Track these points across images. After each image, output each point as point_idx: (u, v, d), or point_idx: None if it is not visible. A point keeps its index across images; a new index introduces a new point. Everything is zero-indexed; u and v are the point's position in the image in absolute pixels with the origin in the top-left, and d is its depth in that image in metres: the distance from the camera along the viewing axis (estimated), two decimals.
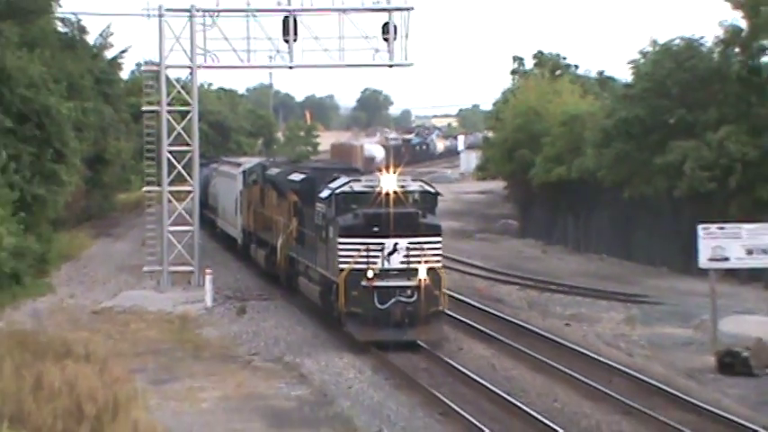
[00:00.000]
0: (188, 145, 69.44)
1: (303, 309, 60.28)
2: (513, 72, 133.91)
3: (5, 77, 72.98)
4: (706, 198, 71.96)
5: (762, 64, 79.28)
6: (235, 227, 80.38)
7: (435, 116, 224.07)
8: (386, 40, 66.74)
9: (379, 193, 47.21)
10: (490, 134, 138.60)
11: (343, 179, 50.76)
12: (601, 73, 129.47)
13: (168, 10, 68.25)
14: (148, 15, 68.90)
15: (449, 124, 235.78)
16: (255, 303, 62.35)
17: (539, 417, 37.95)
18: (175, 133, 69.15)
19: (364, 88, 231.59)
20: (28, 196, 70.93)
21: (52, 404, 33.57)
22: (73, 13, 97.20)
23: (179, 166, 69.35)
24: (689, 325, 56.16)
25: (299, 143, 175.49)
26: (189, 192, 70.64)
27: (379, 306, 45.14)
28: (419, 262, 45.88)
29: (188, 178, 69.95)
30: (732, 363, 47.62)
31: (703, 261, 51.10)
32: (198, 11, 67.72)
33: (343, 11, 66.66)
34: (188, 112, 69.94)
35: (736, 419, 39.04)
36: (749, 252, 50.41)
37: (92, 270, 74.96)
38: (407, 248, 45.75)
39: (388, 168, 50.15)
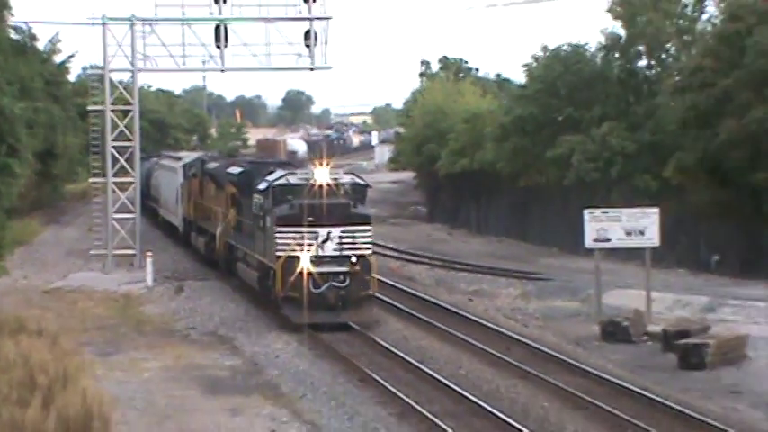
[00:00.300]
0: (130, 141, 69.35)
1: (236, 289, 60.08)
2: (422, 74, 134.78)
3: None
4: (591, 186, 72.76)
5: (638, 67, 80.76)
6: (176, 216, 79.05)
7: (352, 114, 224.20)
8: (307, 46, 66.94)
9: (313, 185, 46.48)
10: (401, 130, 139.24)
11: (280, 172, 50.17)
12: (498, 75, 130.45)
13: (111, 19, 68.14)
14: (93, 24, 68.90)
15: (364, 121, 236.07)
16: (192, 283, 62.22)
17: (446, 382, 38.43)
18: (118, 130, 69.01)
19: (289, 89, 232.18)
20: None
21: (7, 375, 33.55)
22: (24, 22, 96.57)
23: (122, 160, 69.34)
24: (577, 298, 56.71)
25: (230, 139, 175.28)
26: (131, 183, 70.60)
27: (313, 290, 44.47)
28: (351, 249, 45.56)
29: (130, 171, 69.90)
30: (614, 331, 48.35)
31: (589, 242, 51.76)
32: (138, 20, 67.65)
33: (269, 20, 66.77)
34: (129, 111, 69.86)
35: (617, 381, 39.67)
36: (628, 234, 51.10)
37: (43, 254, 74.67)
38: (340, 237, 45.23)
39: (320, 162, 48.77)
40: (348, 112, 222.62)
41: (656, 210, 52.11)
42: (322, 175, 46.66)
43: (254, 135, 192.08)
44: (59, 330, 43.69)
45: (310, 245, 44.88)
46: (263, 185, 49.44)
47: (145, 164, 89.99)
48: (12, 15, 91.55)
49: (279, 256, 45.35)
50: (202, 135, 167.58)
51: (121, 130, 69.16)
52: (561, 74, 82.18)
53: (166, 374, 40.83)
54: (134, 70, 69.50)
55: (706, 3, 78.83)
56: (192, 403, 36.70)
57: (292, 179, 47.98)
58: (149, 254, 65.78)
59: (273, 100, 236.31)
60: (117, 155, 69.14)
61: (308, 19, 66.68)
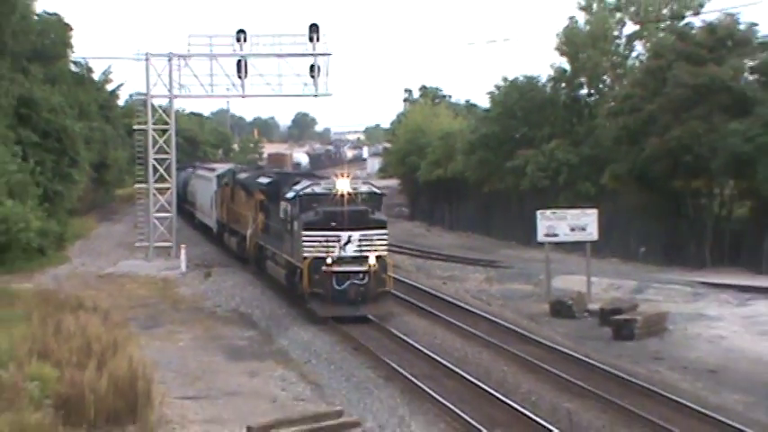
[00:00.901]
0: (167, 154, 69.15)
1: (254, 275, 59.65)
2: (405, 100, 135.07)
3: (33, 105, 72.71)
4: (542, 191, 72.95)
5: (580, 95, 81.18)
6: (210, 218, 77.04)
7: (348, 132, 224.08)
8: (312, 76, 66.80)
9: (335, 194, 44.34)
10: (388, 145, 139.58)
11: (306, 182, 48.06)
12: (467, 101, 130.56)
13: (152, 55, 68.07)
14: (138, 59, 68.96)
15: (358, 138, 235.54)
16: (218, 270, 62.03)
17: (424, 350, 38.68)
18: (158, 145, 68.85)
19: (297, 111, 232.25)
20: (50, 191, 70.80)
21: (68, 344, 33.50)
22: (82, 57, 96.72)
23: (161, 170, 69.09)
24: (530, 282, 56.70)
25: (248, 153, 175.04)
26: (168, 188, 70.32)
27: (336, 287, 42.37)
28: (369, 250, 43.15)
29: (167, 178, 69.62)
30: (560, 309, 48.43)
31: (540, 236, 51.83)
32: (174, 55, 67.56)
33: (281, 55, 66.68)
34: (167, 129, 69.70)
35: (563, 350, 39.96)
36: (572, 230, 51.23)
37: (97, 245, 74.55)
38: (359, 240, 42.92)
39: (342, 174, 47.07)
40: (345, 131, 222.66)
41: (594, 210, 52.29)
42: (343, 185, 44.73)
43: (268, 149, 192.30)
44: (110, 307, 43.73)
45: (333, 247, 42.76)
46: (290, 194, 46.92)
47: (182, 173, 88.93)
48: (73, 52, 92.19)
49: (305, 257, 43.01)
50: (226, 149, 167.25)
51: (160, 146, 69.03)
52: (518, 100, 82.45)
53: (197, 343, 40.97)
54: (171, 96, 69.40)
55: (635, 42, 79.08)
56: (218, 367, 36.81)
57: (317, 189, 45.81)
58: (183, 246, 65.99)
59: (284, 120, 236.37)
60: (157, 165, 68.98)
61: (313, 55, 66.61)
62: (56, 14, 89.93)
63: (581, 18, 79.45)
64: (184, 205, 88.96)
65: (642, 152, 66.35)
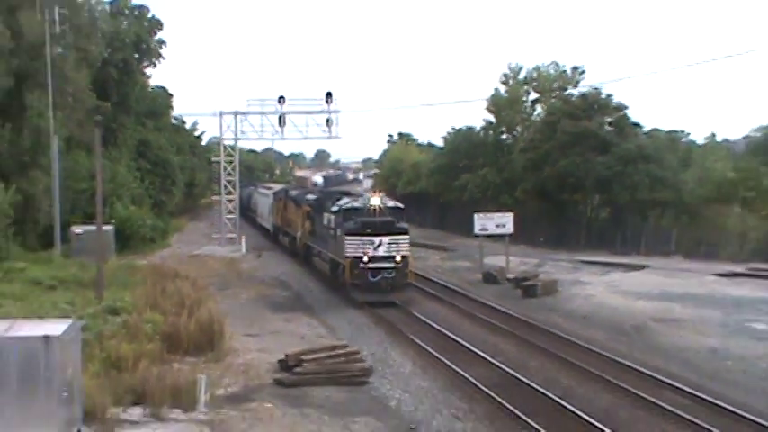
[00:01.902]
0: (232, 176, 69.17)
1: (291, 257, 59.08)
2: (388, 141, 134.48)
3: (148, 145, 73.61)
4: (477, 201, 72.41)
5: (502, 138, 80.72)
6: (268, 222, 73.90)
7: (351, 161, 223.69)
8: (327, 126, 66.78)
9: (370, 208, 40.98)
10: (377, 170, 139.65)
11: (346, 199, 44.57)
12: (429, 142, 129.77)
13: (224, 113, 68.05)
14: (214, 115, 69.18)
15: (358, 167, 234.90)
16: (266, 253, 61.89)
17: (400, 304, 39.02)
18: (227, 171, 68.90)
19: (318, 149, 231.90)
20: (158, 201, 71.20)
21: (170, 300, 33.57)
22: (179, 114, 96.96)
23: (229, 187, 69.14)
24: (470, 260, 56.39)
25: (286, 176, 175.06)
26: (233, 199, 70.23)
27: (371, 279, 39.00)
28: (396, 251, 39.45)
29: (233, 191, 69.65)
30: (489, 278, 48.40)
31: (476, 230, 51.37)
32: (238, 113, 67.61)
33: (307, 113, 66.62)
34: (232, 161, 69.62)
35: (490, 304, 40.18)
36: (497, 226, 50.96)
37: (188, 236, 74.40)
38: (388, 243, 39.26)
39: (374, 192, 46.40)
40: (349, 161, 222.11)
41: (511, 213, 52.13)
42: (375, 201, 41.58)
43: (297, 173, 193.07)
44: (196, 276, 43.60)
45: (368, 249, 39.17)
46: (335, 208, 43.23)
47: (245, 190, 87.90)
48: (173, 111, 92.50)
49: (347, 257, 39.52)
50: (271, 173, 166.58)
51: (228, 171, 68.98)
52: (461, 141, 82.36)
53: (252, 300, 41.01)
54: (235, 139, 69.16)
55: (536, 105, 79.07)
56: (265, 315, 36.95)
57: (355, 204, 42.23)
58: (243, 237, 66.15)
59: (309, 154, 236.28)
60: (226, 184, 69.01)
61: (327, 112, 66.39)
62: (162, 87, 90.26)
63: (502, 89, 79.57)
64: (248, 213, 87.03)
65: (541, 176, 66.96)
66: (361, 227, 39.65)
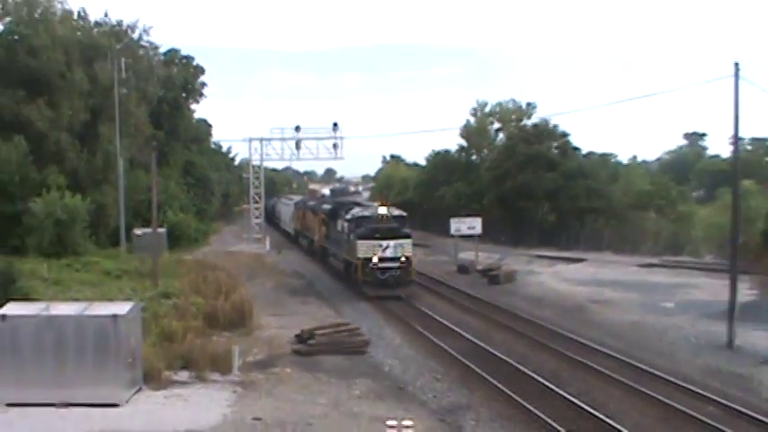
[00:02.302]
0: (258, 189, 69.30)
1: (305, 253, 58.72)
2: (382, 161, 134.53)
3: (192, 165, 73.10)
4: (453, 208, 71.90)
5: (472, 159, 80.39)
6: (290, 227, 70.15)
7: (353, 177, 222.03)
8: (335, 147, 66.79)
9: (378, 216, 38.54)
10: (373, 184, 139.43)
11: (358, 208, 41.64)
12: (415, 162, 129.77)
13: (252, 138, 68.16)
14: (244, 140, 69.40)
15: (359, 181, 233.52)
16: (285, 250, 61.62)
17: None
18: (255, 185, 69.01)
19: (326, 167, 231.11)
20: (200, 209, 70.76)
21: (210, 287, 33.56)
22: (217, 140, 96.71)
23: (256, 197, 69.26)
24: (447, 255, 56.29)
25: (302, 189, 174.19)
26: (259, 207, 70.24)
27: (380, 277, 36.70)
28: (401, 253, 36.99)
29: (259, 201, 69.71)
30: (462, 269, 48.37)
31: (452, 231, 51.20)
32: (264, 139, 67.57)
33: (318, 138, 66.68)
34: (258, 176, 69.79)
35: (463, 290, 40.20)
36: (469, 228, 50.75)
37: (224, 236, 74.06)
38: (394, 246, 36.79)
39: (382, 203, 43.28)
40: (351, 176, 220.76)
41: (479, 218, 51.95)
42: (383, 210, 39.12)
43: (310, 186, 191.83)
44: (230, 268, 43.53)
45: (377, 251, 36.80)
46: (349, 216, 40.27)
47: (270, 200, 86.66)
48: (212, 137, 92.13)
49: (359, 258, 37.04)
50: (290, 187, 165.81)
51: (256, 185, 69.14)
52: (440, 161, 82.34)
53: (274, 287, 40.68)
54: (261, 160, 69.37)
55: (499, 132, 78.91)
56: (284, 299, 36.88)
57: (366, 212, 39.63)
58: (268, 238, 65.69)
59: (320, 171, 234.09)
60: (254, 195, 69.10)
61: (334, 138, 66.37)
62: (204, 119, 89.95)
63: (472, 120, 79.55)
64: (273, 219, 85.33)
65: (503, 188, 66.90)
66: (371, 232, 37.49)
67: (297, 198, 79.29)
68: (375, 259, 36.87)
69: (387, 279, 36.85)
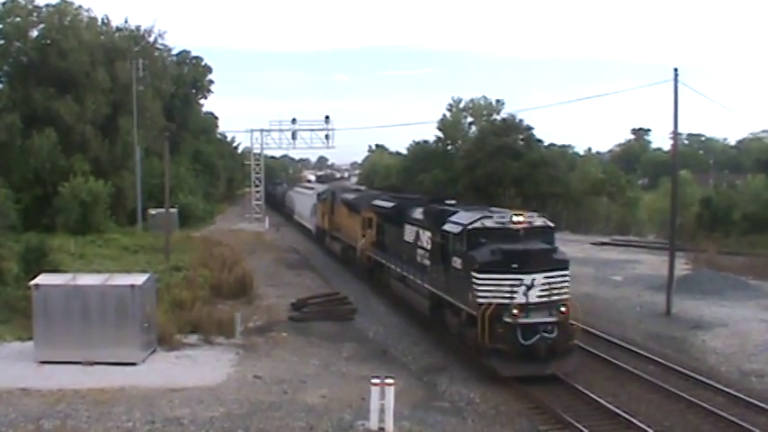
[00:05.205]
0: (259, 174, 69.01)
1: (300, 232, 57.25)
2: (369, 150, 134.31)
3: (200, 153, 73.29)
4: (432, 193, 70.65)
5: (449, 148, 79.63)
6: (309, 223, 52.47)
7: (343, 164, 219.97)
8: (327, 138, 66.66)
9: (511, 229, 19.74)
10: (360, 170, 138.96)
11: (474, 213, 20.98)
12: (397, 151, 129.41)
13: (253, 130, 68.08)
14: (246, 131, 69.90)
15: (348, 168, 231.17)
16: (283, 228, 61.03)
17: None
18: (255, 171, 68.77)
19: (319, 155, 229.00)
20: (207, 192, 70.73)
21: (215, 260, 33.51)
22: (222, 131, 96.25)
23: (257, 182, 68.98)
24: None
25: (297, 174, 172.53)
26: (259, 190, 69.80)
27: (522, 341, 18.30)
28: (557, 295, 18.84)
29: (258, 185, 69.33)
30: None
31: None
32: (264, 130, 67.39)
33: (312, 129, 66.53)
34: (259, 163, 69.47)
35: None
36: None
37: (228, 216, 73.55)
38: (544, 283, 18.64)
39: (521, 212, 20.74)
40: (341, 164, 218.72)
41: (454, 201, 51.33)
42: (520, 218, 19.96)
43: (305, 173, 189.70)
44: (233, 244, 43.41)
45: (515, 292, 18.51)
46: (455, 228, 20.53)
47: (278, 188, 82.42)
48: (218, 128, 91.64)
49: (481, 304, 18.47)
50: (285, 174, 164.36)
51: (256, 171, 68.87)
52: (420, 150, 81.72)
53: (272, 261, 40.28)
54: (261, 149, 69.29)
55: (472, 126, 78.78)
56: (282, 272, 36.50)
57: (488, 221, 20.00)
58: (267, 217, 65.09)
59: (313, 159, 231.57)
60: (255, 180, 68.83)
61: (327, 129, 66.33)
62: (211, 113, 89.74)
63: (448, 114, 79.26)
64: (283, 209, 72.27)
65: (475, 175, 66.51)
66: (503, 258, 18.79)
67: (319, 187, 60.13)
68: (514, 309, 18.33)
69: (536, 346, 18.34)
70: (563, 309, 18.63)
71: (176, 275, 30.04)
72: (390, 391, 14.69)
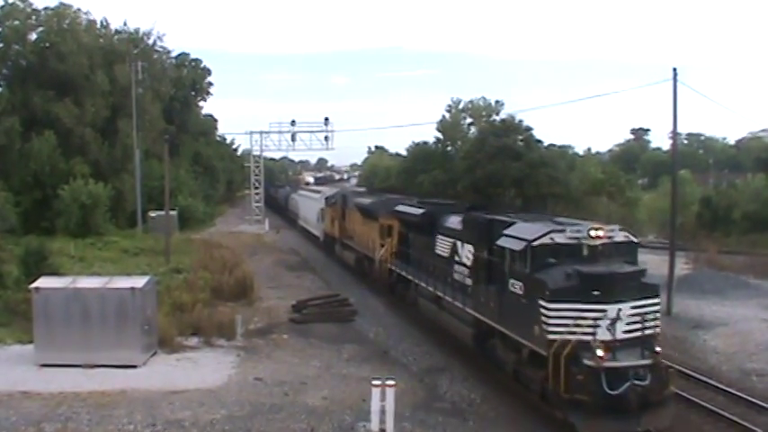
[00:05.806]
0: (258, 176, 68.94)
1: (299, 233, 57.95)
2: (368, 152, 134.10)
3: (200, 155, 73.13)
4: (431, 195, 70.49)
5: (449, 149, 79.40)
6: (316, 229, 49.87)
7: (342, 166, 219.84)
8: (326, 140, 66.69)
9: (589, 247, 14.98)
10: (360, 172, 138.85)
11: (537, 225, 16.28)
12: (397, 152, 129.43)
13: (253, 132, 67.90)
14: (245, 133, 70.22)
15: (347, 170, 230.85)
16: (283, 230, 61.19)
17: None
18: (255, 173, 68.71)
19: (318, 157, 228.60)
20: (207, 194, 70.46)
21: (216, 263, 33.50)
22: (222, 133, 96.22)
23: (256, 184, 68.90)
24: None
25: (296, 176, 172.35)
26: (259, 192, 69.77)
27: (609, 390, 13.28)
28: (651, 330, 14.19)
29: (259, 187, 69.38)
30: None
31: None
32: (263, 132, 67.21)
33: (311, 131, 66.50)
34: (258, 166, 69.40)
35: None
36: None
37: (228, 218, 73.50)
38: (631, 315, 13.90)
39: (596, 227, 15.32)
40: (341, 165, 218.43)
41: (453, 202, 51.46)
42: (598, 233, 15.11)
43: (304, 174, 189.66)
44: (233, 246, 43.48)
45: (597, 327, 13.75)
46: (516, 245, 15.63)
47: (281, 191, 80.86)
48: (217, 131, 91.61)
49: (553, 341, 13.85)
50: (285, 176, 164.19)
51: (256, 173, 68.78)
52: (420, 151, 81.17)
53: (273, 263, 40.29)
54: (261, 151, 68.91)
55: (471, 127, 78.55)
56: (282, 274, 36.57)
57: (558, 237, 15.10)
58: (267, 219, 64.93)
59: (313, 160, 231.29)
60: (255, 182, 68.77)
61: (326, 131, 66.27)
62: (210, 115, 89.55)
63: (447, 115, 79.04)
64: (286, 212, 71.69)
65: (475, 176, 66.03)
66: (581, 284, 14.41)
67: (329, 191, 53.63)
68: (598, 350, 13.84)
69: (626, 396, 13.70)
70: (657, 349, 14.12)
71: (177, 278, 30.06)
72: (391, 393, 14.68)
